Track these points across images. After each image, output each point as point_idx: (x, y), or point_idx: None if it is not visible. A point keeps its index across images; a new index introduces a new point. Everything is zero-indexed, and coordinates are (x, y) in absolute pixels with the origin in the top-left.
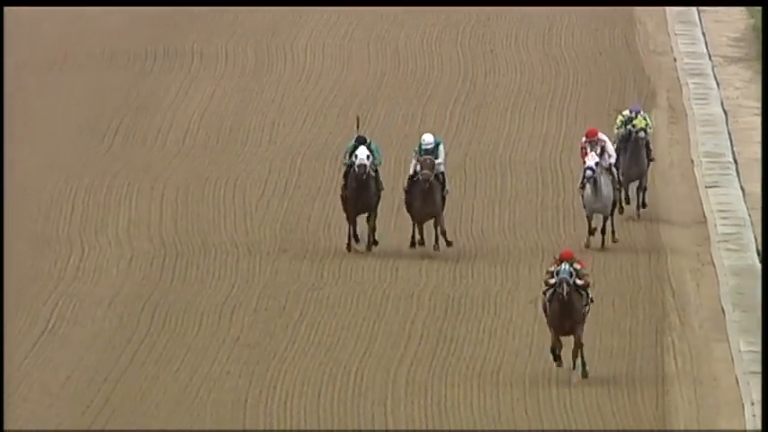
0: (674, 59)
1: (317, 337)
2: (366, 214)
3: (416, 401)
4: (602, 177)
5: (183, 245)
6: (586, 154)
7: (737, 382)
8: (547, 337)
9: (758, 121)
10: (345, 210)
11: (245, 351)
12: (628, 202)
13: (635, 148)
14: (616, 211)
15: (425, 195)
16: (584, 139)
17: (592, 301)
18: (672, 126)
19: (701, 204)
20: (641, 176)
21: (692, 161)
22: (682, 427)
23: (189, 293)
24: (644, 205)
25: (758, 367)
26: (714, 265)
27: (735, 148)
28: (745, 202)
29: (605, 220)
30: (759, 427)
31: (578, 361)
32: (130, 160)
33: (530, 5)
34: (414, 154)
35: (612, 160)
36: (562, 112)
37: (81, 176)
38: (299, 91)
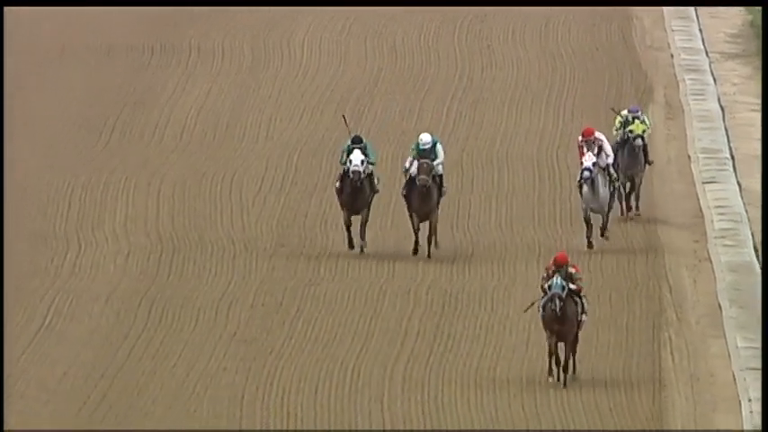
0: (671, 55)
1: (313, 334)
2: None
3: (413, 398)
4: (599, 177)
5: (179, 241)
6: (583, 153)
7: (734, 379)
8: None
9: (755, 117)
10: (342, 210)
11: (241, 347)
12: (627, 200)
13: (632, 152)
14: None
15: (423, 197)
16: (580, 138)
17: (585, 312)
18: (669, 122)
19: (698, 200)
20: (637, 176)
21: (689, 157)
22: (679, 425)
23: (186, 289)
24: (636, 208)
25: (755, 363)
26: (711, 262)
27: (732, 144)
28: (742, 198)
29: (603, 219)
30: (756, 423)
31: (570, 363)
32: (127, 156)
33: (527, 5)
34: (411, 152)
35: (610, 160)
36: (559, 107)
37: (78, 172)
38: (295, 87)
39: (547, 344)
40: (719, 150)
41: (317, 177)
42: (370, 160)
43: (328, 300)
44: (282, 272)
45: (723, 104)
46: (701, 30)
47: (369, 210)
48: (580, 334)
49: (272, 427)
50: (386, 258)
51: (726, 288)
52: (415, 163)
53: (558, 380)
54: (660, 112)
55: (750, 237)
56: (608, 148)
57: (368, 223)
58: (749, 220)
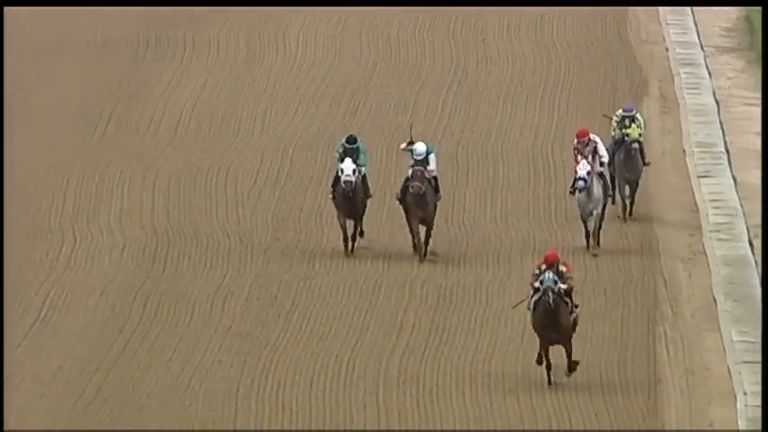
0: (666, 49)
1: (308, 327)
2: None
3: (408, 391)
4: (594, 182)
5: (174, 234)
6: (578, 161)
7: (729, 372)
8: None
9: (750, 110)
10: (337, 212)
11: (236, 340)
12: (615, 202)
13: (628, 155)
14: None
15: (418, 201)
16: (575, 140)
17: (577, 307)
18: (664, 116)
19: (693, 194)
20: (635, 181)
21: (684, 151)
22: (674, 418)
23: (181, 283)
24: (631, 205)
25: (750, 357)
26: (706, 255)
27: (727, 138)
28: (737, 191)
29: (599, 220)
30: (751, 416)
31: (561, 359)
32: (122, 149)
33: (525, 5)
34: (410, 157)
35: (605, 160)
36: (554, 101)
37: (73, 166)
38: (290, 80)
39: (538, 351)
40: (714, 144)
41: (313, 171)
42: (361, 163)
43: (323, 293)
44: (277, 265)
45: (718, 98)
46: (695, 23)
47: (363, 214)
48: (574, 335)
49: (266, 421)
50: (381, 252)
51: (721, 282)
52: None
53: (550, 382)
54: (655, 105)
55: (745, 231)
56: (602, 149)
57: (362, 227)
58: (744, 214)
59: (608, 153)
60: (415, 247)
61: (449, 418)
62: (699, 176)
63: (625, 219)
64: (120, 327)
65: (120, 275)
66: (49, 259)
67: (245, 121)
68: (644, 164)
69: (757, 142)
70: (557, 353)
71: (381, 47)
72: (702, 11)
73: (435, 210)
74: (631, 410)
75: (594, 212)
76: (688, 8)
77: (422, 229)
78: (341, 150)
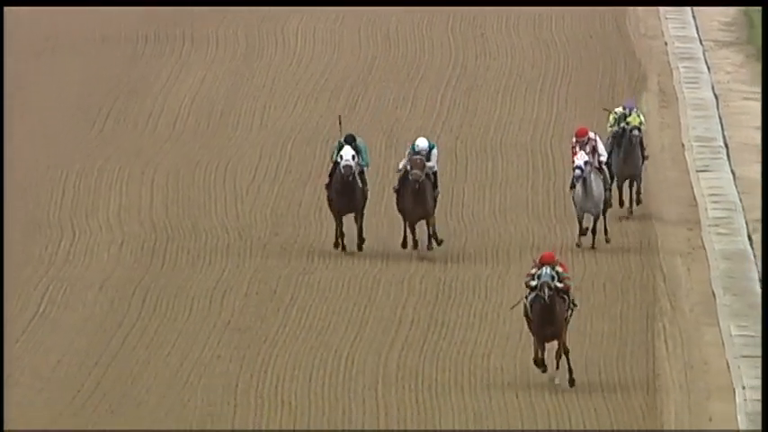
0: (665, 43)
1: (307, 322)
2: (353, 214)
3: (407, 386)
4: (591, 176)
5: (173, 229)
6: (576, 154)
7: (728, 367)
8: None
9: (749, 105)
10: (331, 210)
11: (235, 335)
12: (622, 205)
13: (629, 147)
14: (608, 210)
15: (416, 195)
16: (574, 138)
17: (575, 305)
18: (662, 110)
19: (692, 189)
20: (636, 175)
21: (683, 145)
22: (673, 413)
23: (180, 278)
24: (638, 202)
25: (749, 351)
26: (705, 250)
27: (726, 133)
28: (736, 186)
29: (596, 219)
30: (750, 410)
31: (561, 362)
32: (121, 145)
33: (525, 5)
34: (407, 154)
35: (603, 158)
36: (553, 95)
37: (72, 160)
38: (289, 75)
39: (533, 350)
40: (713, 138)
41: (312, 166)
42: (362, 162)
43: (322, 288)
44: (276, 260)
45: (717, 92)
46: (694, 18)
47: (362, 214)
48: (568, 336)
49: (265, 416)
50: (380, 247)
51: (720, 276)
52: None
53: (557, 367)
54: (654, 100)
55: (744, 225)
56: (601, 148)
57: (362, 226)
58: (743, 209)
59: (607, 148)
60: (404, 244)
61: (448, 414)
62: (698, 171)
63: (630, 213)
64: (119, 321)
65: (118, 270)
66: (47, 254)
67: (243, 117)
68: (643, 157)
69: (756, 136)
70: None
71: (380, 41)
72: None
73: (435, 204)
74: (630, 405)
75: (594, 211)
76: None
77: (422, 228)
78: (338, 145)
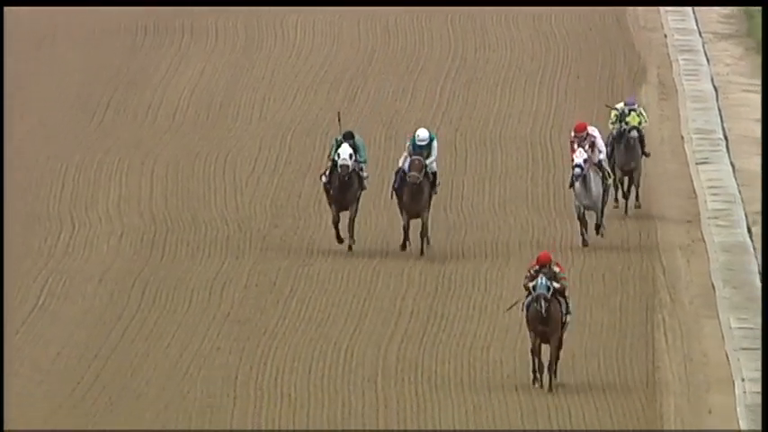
0: (665, 36)
1: (307, 314)
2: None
3: (407, 378)
4: (591, 173)
5: (173, 221)
6: (574, 150)
7: (728, 359)
8: None
9: (749, 97)
10: (330, 207)
11: (235, 327)
12: (625, 197)
13: (628, 146)
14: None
15: (414, 194)
16: (572, 133)
17: (569, 312)
18: (662, 103)
19: (692, 181)
20: (635, 172)
21: (683, 138)
22: (672, 405)
23: (179, 270)
24: (636, 199)
25: (749, 344)
26: (704, 242)
27: (725, 125)
28: (736, 178)
29: (598, 215)
30: (749, 402)
31: (547, 358)
32: (121, 136)
33: (524, 5)
34: (406, 147)
35: (603, 156)
36: (552, 88)
37: (71, 152)
38: (289, 67)
39: (530, 346)
40: (713, 131)
41: (311, 157)
42: (360, 158)
43: (322, 280)
44: (276, 252)
45: (716, 85)
46: (693, 10)
47: (357, 206)
48: (565, 336)
49: (265, 407)
50: (379, 239)
51: (719, 268)
52: (408, 159)
53: (542, 386)
54: (653, 92)
55: (744, 217)
56: (601, 143)
57: (355, 219)
58: (743, 201)
59: (608, 146)
60: (404, 246)
61: (447, 405)
62: (697, 163)
63: (627, 211)
64: (119, 314)
65: (118, 262)
66: (47, 246)
67: (243, 108)
68: (644, 154)
69: (756, 128)
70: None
71: (380, 34)
72: None
73: (430, 203)
74: (629, 397)
75: (594, 208)
76: None
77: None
78: (336, 142)
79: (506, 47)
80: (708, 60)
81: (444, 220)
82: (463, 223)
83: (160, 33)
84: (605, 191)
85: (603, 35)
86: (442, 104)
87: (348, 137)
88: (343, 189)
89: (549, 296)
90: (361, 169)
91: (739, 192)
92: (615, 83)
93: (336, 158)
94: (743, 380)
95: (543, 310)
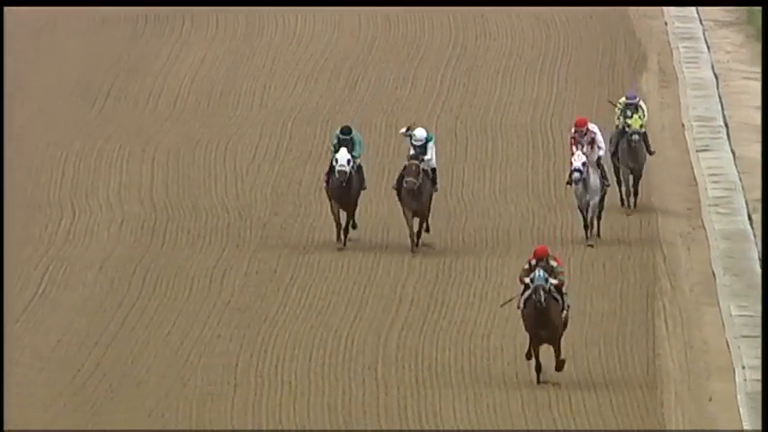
0: (665, 23)
1: (307, 301)
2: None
3: (407, 365)
4: (590, 171)
5: (173, 208)
6: (574, 146)
7: (728, 347)
8: None
9: (749, 84)
10: (330, 206)
11: (235, 315)
12: (635, 194)
13: (630, 146)
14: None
15: (414, 194)
16: (573, 129)
17: (568, 307)
18: (662, 90)
19: (692, 168)
20: (638, 170)
21: (683, 125)
22: (672, 392)
23: (180, 257)
24: (635, 195)
25: (749, 331)
26: (705, 229)
27: (726, 112)
28: (736, 165)
29: (598, 209)
30: (749, 390)
31: (551, 356)
32: (121, 123)
33: (526, 5)
34: (409, 143)
35: (602, 153)
36: (553, 75)
37: (72, 140)
38: (289, 55)
39: (527, 347)
40: (713, 118)
41: (312, 145)
42: (356, 154)
43: (322, 267)
44: (276, 239)
45: (717, 72)
46: None
47: (356, 206)
48: (565, 333)
49: (265, 395)
50: (380, 226)
51: (720, 256)
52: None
53: (539, 382)
54: (654, 79)
55: (744, 204)
56: (600, 140)
57: (354, 218)
58: (743, 188)
59: (612, 142)
60: (411, 239)
61: (447, 393)
62: (698, 150)
63: (628, 206)
64: (119, 301)
65: (118, 250)
66: (47, 234)
67: (244, 96)
68: (649, 153)
69: (756, 116)
70: (548, 353)
71: (380, 21)
72: None
73: (430, 201)
74: (630, 385)
75: (591, 203)
76: None
77: (416, 222)
78: (335, 142)
79: (507, 34)
80: (708, 48)
81: (445, 208)
82: (464, 211)
83: (161, 21)
84: (603, 184)
85: (604, 22)
86: (443, 92)
87: (345, 132)
88: (341, 191)
89: (547, 287)
90: (360, 167)
91: (740, 179)
92: (615, 70)
93: (335, 163)
94: (743, 367)
95: (542, 300)
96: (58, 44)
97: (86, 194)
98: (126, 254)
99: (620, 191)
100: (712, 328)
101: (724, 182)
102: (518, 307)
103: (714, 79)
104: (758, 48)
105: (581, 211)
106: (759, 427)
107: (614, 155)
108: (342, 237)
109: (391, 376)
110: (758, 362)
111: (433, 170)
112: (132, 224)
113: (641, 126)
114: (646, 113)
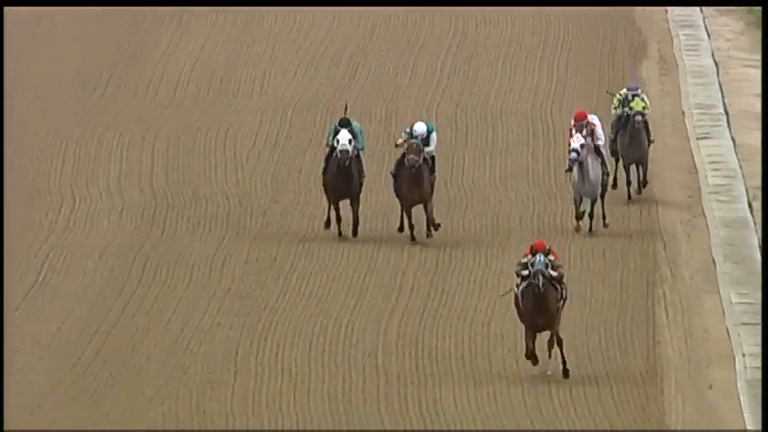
0: (665, 10)
1: (307, 289)
2: (348, 200)
3: (407, 353)
4: (588, 159)
5: (173, 196)
6: (573, 136)
7: (728, 334)
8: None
9: (749, 72)
10: (326, 195)
11: (235, 302)
12: (629, 183)
13: (633, 131)
14: (606, 195)
15: (412, 179)
16: (572, 121)
17: (565, 298)
18: (663, 77)
19: (692, 156)
20: (642, 158)
21: (683, 113)
22: (672, 380)
23: (180, 245)
24: (644, 185)
25: (749, 319)
26: (705, 217)
27: (726, 100)
28: (736, 153)
29: (593, 203)
30: (750, 378)
31: (555, 353)
32: (122, 111)
33: (526, 5)
34: (404, 135)
35: (601, 143)
36: (553, 63)
37: (72, 127)
38: (289, 42)
39: (525, 343)
40: (713, 106)
41: (312, 133)
42: (359, 145)
43: (322, 255)
44: (276, 227)
45: (717, 60)
46: None
47: (359, 200)
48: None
49: (265, 383)
50: (380, 214)
51: (720, 243)
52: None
53: (549, 356)
54: (654, 67)
55: (744, 192)
56: (600, 132)
57: (358, 214)
58: (743, 176)
59: (611, 131)
60: (401, 228)
61: (447, 380)
62: (698, 138)
63: (629, 197)
64: (119, 289)
65: (119, 237)
66: (48, 221)
67: (244, 83)
68: (649, 140)
69: (756, 103)
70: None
71: (380, 9)
72: None
73: (432, 189)
74: (630, 372)
75: (591, 195)
76: None
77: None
78: (333, 129)
79: (507, 22)
80: (708, 35)
81: (445, 195)
82: (464, 198)
83: (161, 8)
84: (605, 181)
85: (604, 10)
86: (443, 80)
87: (345, 124)
88: (340, 176)
89: (547, 273)
90: (359, 156)
91: (740, 167)
92: (616, 58)
93: (336, 144)
94: (743, 355)
95: (541, 286)
96: (58, 31)
97: (86, 182)
98: (126, 241)
99: (616, 184)
100: (712, 315)
101: (724, 169)
102: (515, 297)
103: (714, 67)
104: (758, 35)
105: (575, 204)
106: (759, 413)
107: (614, 142)
108: (329, 223)
109: (391, 364)
110: (758, 349)
111: (432, 158)
112: (132, 212)
113: (644, 108)
114: (648, 104)
